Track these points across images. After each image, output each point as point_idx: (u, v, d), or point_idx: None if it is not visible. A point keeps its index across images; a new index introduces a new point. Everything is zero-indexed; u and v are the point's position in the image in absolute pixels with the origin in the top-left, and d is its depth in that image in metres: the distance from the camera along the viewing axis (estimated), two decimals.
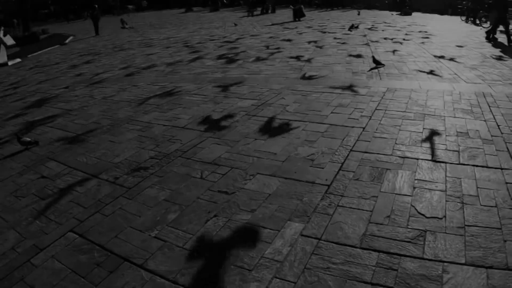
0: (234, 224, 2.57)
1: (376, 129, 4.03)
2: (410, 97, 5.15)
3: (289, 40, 12.07)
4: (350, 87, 5.70)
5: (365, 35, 11.91)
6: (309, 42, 11.12)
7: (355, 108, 4.74)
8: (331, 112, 4.60)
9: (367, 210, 2.63)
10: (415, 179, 3.01)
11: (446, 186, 2.91)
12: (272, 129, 4.18)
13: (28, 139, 4.61)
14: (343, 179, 3.02)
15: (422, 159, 3.35)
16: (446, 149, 3.54)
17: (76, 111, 5.87)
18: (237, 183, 3.05)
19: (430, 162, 3.30)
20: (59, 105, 6.44)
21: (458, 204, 2.69)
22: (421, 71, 6.64)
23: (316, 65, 7.64)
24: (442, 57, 7.83)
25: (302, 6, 19.29)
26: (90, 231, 2.71)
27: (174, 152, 3.78)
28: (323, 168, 3.20)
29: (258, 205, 2.74)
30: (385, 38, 11.12)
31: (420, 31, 12.52)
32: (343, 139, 3.78)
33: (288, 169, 3.21)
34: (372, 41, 10.53)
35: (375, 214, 2.59)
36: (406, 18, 18.95)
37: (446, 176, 3.07)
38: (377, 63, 7.21)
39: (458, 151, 3.48)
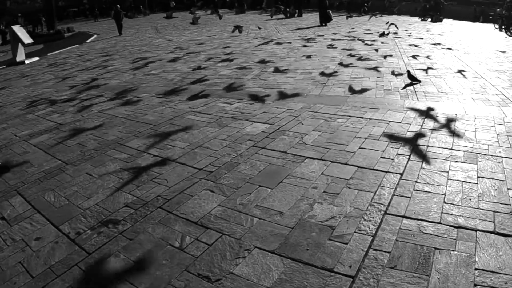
0: None
1: (418, 177, 3.11)
2: (456, 127, 4.19)
3: (313, 45, 11.16)
4: (382, 110, 4.76)
5: (396, 44, 10.86)
6: (334, 51, 10.16)
7: (389, 142, 3.83)
8: (359, 147, 3.70)
9: None
10: (475, 269, 2.09)
11: None
12: (283, 171, 3.31)
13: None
14: (374, 267, 2.13)
15: (481, 230, 2.42)
16: (511, 212, 2.60)
17: (67, 126, 5.20)
18: (225, 263, 2.21)
19: (493, 235, 2.37)
20: (52, 116, 5.82)
21: None
22: (463, 89, 5.66)
23: (343, 79, 6.72)
24: (482, 71, 6.77)
25: (329, 10, 18.30)
26: None
27: (155, 199, 2.98)
28: (346, 243, 2.32)
29: None
30: (416, 46, 10.04)
31: (453, 46, 11.37)
32: (375, 193, 2.88)
33: (297, 242, 2.35)
34: (403, 50, 9.48)
35: None
36: (437, 25, 17.74)
37: None
38: (413, 79, 6.26)
39: None
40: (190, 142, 4.11)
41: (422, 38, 12.20)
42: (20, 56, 13.86)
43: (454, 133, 4.01)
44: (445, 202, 2.75)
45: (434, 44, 10.73)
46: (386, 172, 3.20)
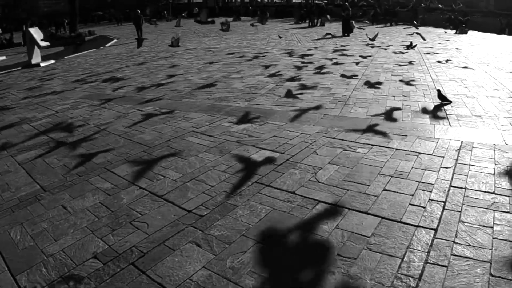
0: None
1: (456, 235, 2.48)
2: (496, 161, 3.53)
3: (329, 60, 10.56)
4: (410, 138, 4.13)
5: (422, 58, 10.12)
6: (357, 63, 9.53)
7: (419, 182, 3.19)
8: (384, 189, 3.08)
9: None
10: None
11: None
12: (288, 220, 2.72)
13: None
14: None
15: None
16: None
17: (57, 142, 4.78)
18: None
19: None
20: (48, 127, 5.42)
21: None
22: (498, 111, 4.98)
23: (366, 97, 6.09)
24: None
25: (352, 21, 17.65)
26: None
27: (129, 251, 2.44)
28: None
29: None
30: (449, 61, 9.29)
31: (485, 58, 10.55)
32: (403, 259, 2.26)
33: None
34: (429, 65, 8.75)
35: None
36: (463, 37, 16.86)
37: None
38: (443, 99, 5.59)
39: None
40: (184, 172, 3.56)
41: (440, 52, 11.41)
42: (36, 58, 13.81)
43: (494, 170, 3.35)
44: (491, 274, 2.13)
45: (462, 59, 9.96)
46: (417, 227, 2.58)
